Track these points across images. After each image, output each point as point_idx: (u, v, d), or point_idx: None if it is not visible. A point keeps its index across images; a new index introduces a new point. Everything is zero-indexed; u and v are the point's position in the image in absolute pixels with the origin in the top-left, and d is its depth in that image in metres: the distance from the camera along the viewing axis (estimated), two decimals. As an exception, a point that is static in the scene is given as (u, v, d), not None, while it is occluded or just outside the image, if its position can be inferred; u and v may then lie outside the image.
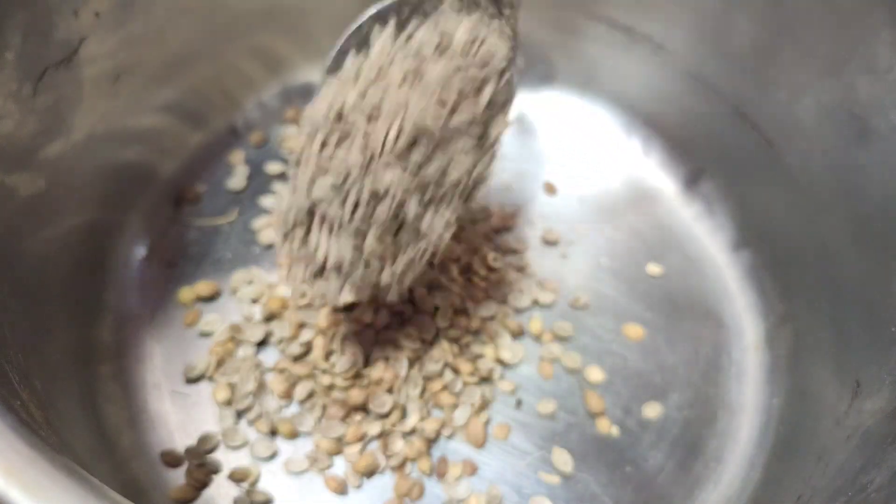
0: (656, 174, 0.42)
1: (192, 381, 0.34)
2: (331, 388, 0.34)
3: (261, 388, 0.34)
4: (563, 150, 0.43)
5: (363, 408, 0.34)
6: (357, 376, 0.34)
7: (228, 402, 0.34)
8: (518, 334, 0.36)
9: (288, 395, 0.34)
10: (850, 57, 0.31)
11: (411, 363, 0.34)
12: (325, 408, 0.34)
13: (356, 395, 0.33)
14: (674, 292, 0.38)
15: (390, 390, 0.34)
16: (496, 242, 0.39)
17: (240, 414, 0.34)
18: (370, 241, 0.27)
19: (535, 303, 0.37)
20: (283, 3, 0.39)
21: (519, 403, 0.35)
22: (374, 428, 0.33)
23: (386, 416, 0.33)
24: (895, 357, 0.28)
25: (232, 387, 0.34)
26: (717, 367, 0.36)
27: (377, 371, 0.34)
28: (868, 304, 0.31)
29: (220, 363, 0.35)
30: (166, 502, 0.31)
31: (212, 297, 0.37)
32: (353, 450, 0.33)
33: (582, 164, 0.42)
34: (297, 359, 0.35)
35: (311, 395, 0.34)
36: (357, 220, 0.27)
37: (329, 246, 0.28)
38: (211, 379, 0.34)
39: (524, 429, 0.34)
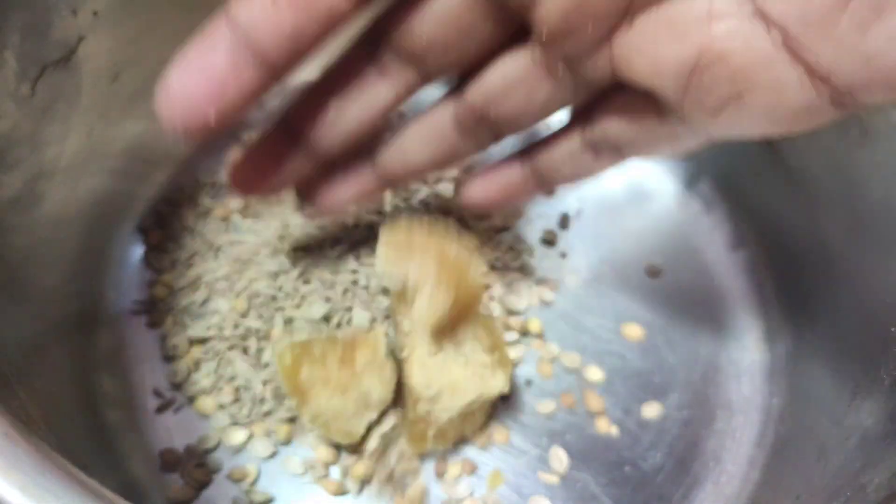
0: (655, 174, 0.42)
1: (179, 385, 0.34)
2: None
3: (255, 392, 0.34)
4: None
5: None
6: None
7: (222, 407, 0.34)
8: (518, 334, 0.36)
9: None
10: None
11: None
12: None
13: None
14: (673, 292, 0.38)
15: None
16: (496, 242, 0.39)
17: (234, 417, 0.33)
18: None
19: (535, 302, 0.37)
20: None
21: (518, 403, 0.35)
22: (372, 442, 0.33)
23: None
24: (894, 357, 0.28)
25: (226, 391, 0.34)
26: (716, 367, 0.36)
27: None
28: (867, 303, 0.31)
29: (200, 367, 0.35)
30: (165, 503, 0.31)
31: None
32: (349, 460, 0.32)
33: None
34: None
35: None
36: None
37: None
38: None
39: (523, 428, 0.34)
